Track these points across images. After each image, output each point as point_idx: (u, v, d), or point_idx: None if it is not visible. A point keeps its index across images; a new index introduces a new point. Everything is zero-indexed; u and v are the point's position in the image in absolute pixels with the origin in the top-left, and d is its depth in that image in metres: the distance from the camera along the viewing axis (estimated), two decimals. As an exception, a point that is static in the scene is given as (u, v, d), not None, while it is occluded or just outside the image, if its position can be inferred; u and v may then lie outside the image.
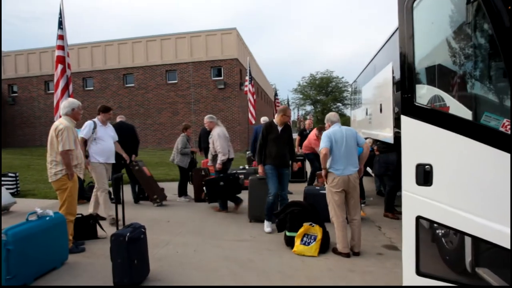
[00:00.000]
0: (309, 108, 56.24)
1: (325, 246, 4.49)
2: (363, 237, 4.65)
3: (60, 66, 8.25)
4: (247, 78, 16.97)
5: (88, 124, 5.75)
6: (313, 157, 8.98)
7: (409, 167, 2.84)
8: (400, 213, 6.25)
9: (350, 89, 15.58)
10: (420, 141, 2.76)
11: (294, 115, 46.99)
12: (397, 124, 5.38)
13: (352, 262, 4.17)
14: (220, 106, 20.93)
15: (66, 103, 4.42)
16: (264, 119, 9.64)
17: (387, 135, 5.52)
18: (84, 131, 5.65)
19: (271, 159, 5.35)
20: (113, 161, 5.87)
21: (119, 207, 4.54)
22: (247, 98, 16.92)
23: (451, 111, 2.63)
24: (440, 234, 2.98)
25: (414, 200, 2.82)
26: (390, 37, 6.50)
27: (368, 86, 7.91)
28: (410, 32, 2.76)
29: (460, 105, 2.64)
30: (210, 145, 6.59)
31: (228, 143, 6.57)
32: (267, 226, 5.36)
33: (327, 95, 54.24)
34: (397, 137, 5.39)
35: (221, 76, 21.07)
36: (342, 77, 54.50)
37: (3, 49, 24.07)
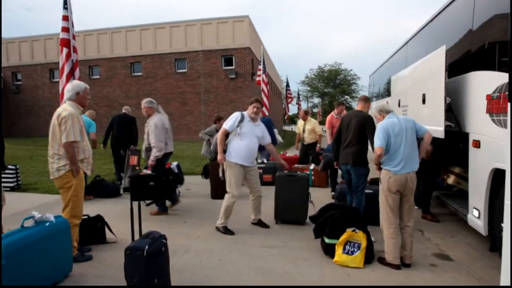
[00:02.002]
0: (316, 100, 55.51)
1: (370, 255, 3.86)
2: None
3: (65, 50, 7.59)
4: (260, 67, 16.21)
5: (235, 115, 4.92)
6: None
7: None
8: (437, 215, 5.67)
9: (369, 80, 14.78)
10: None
11: (304, 107, 46.17)
12: (448, 116, 4.67)
13: (405, 276, 3.55)
14: (231, 96, 20.22)
15: (70, 86, 3.74)
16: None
17: (435, 129, 4.81)
18: (229, 122, 4.89)
19: None
20: (250, 164, 4.97)
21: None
22: (259, 88, 16.17)
23: None
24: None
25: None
26: (436, 16, 5.74)
27: (401, 75, 7.17)
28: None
29: None
30: (145, 136, 5.56)
31: (167, 134, 5.58)
32: None
33: (335, 88, 53.41)
34: (447, 131, 4.68)
35: (232, 66, 20.32)
36: (351, 70, 53.67)
37: (7, 36, 23.52)
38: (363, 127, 4.64)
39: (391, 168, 3.66)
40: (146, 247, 2.62)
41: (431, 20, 6.09)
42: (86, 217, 4.12)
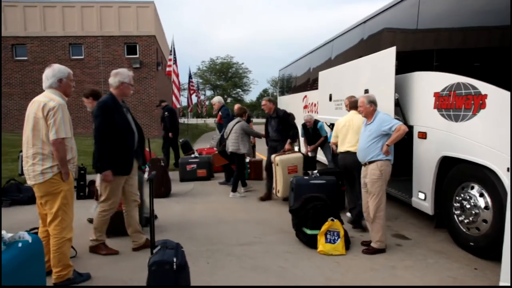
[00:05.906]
0: (209, 93, 55.47)
1: (348, 242, 4.09)
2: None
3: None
4: (170, 57, 15.56)
5: None
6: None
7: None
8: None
9: (278, 74, 15.35)
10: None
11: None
12: (396, 111, 5.14)
13: (385, 257, 3.84)
14: (136, 87, 18.68)
15: (50, 72, 3.08)
16: (219, 100, 8.50)
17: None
18: None
19: None
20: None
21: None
22: (165, 79, 15.48)
23: None
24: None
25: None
26: (373, 16, 6.21)
27: (334, 71, 7.63)
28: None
29: None
30: None
31: None
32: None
33: (227, 81, 54.03)
34: None
35: (136, 54, 18.93)
36: (242, 63, 54.94)
37: None
38: None
39: (392, 159, 3.95)
40: (174, 259, 2.29)
41: (365, 21, 6.61)
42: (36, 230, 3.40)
